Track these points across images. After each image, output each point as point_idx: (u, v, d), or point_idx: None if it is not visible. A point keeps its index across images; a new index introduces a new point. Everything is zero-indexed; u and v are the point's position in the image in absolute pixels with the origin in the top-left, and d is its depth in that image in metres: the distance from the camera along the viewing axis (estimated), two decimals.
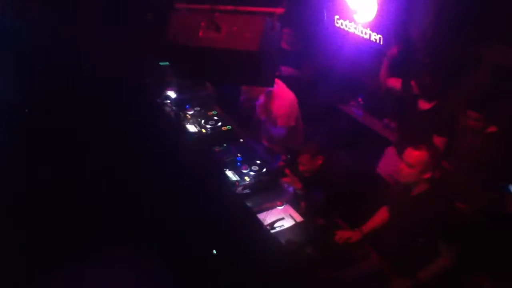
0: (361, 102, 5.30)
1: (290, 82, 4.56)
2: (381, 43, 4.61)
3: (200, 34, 3.36)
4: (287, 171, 3.91)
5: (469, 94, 3.92)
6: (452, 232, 2.89)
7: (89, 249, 3.96)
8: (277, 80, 4.26)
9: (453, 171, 3.62)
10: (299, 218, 3.50)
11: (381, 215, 3.33)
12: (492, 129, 3.44)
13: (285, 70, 4.94)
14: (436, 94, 3.85)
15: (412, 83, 3.94)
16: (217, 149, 4.34)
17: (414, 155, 2.94)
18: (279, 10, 3.41)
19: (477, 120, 3.42)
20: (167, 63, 5.03)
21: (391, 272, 3.09)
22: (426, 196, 2.98)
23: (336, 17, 5.15)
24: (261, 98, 4.45)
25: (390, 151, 4.28)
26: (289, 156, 4.05)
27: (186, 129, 4.72)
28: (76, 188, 4.57)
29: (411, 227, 2.99)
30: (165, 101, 5.15)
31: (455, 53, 4.14)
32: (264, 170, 3.99)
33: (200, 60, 3.56)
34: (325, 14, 5.29)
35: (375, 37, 4.66)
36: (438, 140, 3.74)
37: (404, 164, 2.99)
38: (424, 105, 3.91)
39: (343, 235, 3.28)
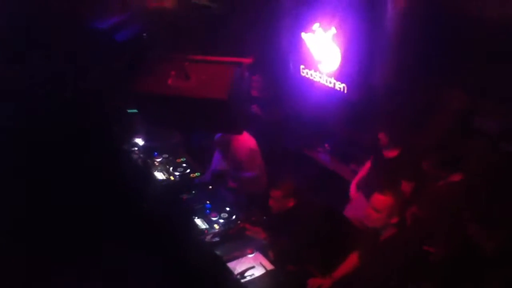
0: (328, 148, 5.41)
1: (258, 127, 4.62)
2: (345, 91, 4.77)
3: (170, 82, 3.41)
4: (257, 217, 3.89)
5: (432, 140, 4.06)
6: (421, 275, 2.91)
7: None
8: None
9: (422, 216, 3.68)
10: (269, 266, 3.45)
11: (352, 260, 3.33)
12: (456, 177, 3.53)
13: (254, 108, 5.03)
14: (401, 140, 3.97)
15: (380, 136, 4.03)
16: (185, 196, 4.28)
17: (381, 200, 2.99)
18: (248, 60, 3.52)
19: (435, 170, 3.54)
20: (135, 110, 5.03)
21: None
22: (394, 240, 3.01)
23: (302, 66, 5.34)
24: (221, 144, 4.47)
25: (357, 196, 4.33)
26: (259, 200, 4.04)
27: (154, 176, 4.67)
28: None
29: (381, 271, 2.99)
30: (133, 149, 5.11)
31: (417, 100, 4.32)
32: (233, 217, 3.96)
33: (169, 108, 3.59)
34: (291, 64, 5.47)
35: (340, 85, 4.83)
36: (405, 185, 3.84)
37: (371, 209, 3.03)
38: (389, 153, 4.03)
39: (314, 282, 3.24)
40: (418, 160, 3.88)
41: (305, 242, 3.49)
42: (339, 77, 4.82)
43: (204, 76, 3.43)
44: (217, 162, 4.62)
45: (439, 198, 3.56)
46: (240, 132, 4.10)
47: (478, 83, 3.89)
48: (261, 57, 4.48)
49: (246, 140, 4.37)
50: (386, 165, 4.05)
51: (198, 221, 3.93)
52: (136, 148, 5.12)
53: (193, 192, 4.33)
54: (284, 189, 3.63)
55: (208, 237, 3.74)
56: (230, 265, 3.46)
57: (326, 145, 5.43)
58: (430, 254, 3.41)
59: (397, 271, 2.90)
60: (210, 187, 4.43)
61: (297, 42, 5.17)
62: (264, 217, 3.86)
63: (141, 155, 4.98)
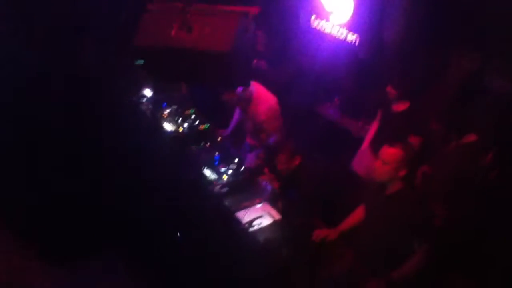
0: (337, 103, 5.36)
1: (265, 83, 4.56)
2: (357, 43, 4.68)
3: (172, 34, 3.33)
4: (265, 169, 3.93)
5: (440, 97, 4.01)
6: (426, 233, 2.94)
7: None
8: (258, 85, 4.24)
9: (433, 177, 3.70)
10: (277, 216, 3.52)
11: (357, 214, 3.38)
12: (469, 138, 3.49)
13: (262, 64, 4.94)
14: (410, 95, 3.93)
15: (388, 89, 3.99)
16: (194, 148, 4.32)
17: (389, 152, 2.98)
18: (254, 10, 3.41)
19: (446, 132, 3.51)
20: (141, 62, 4.97)
21: (366, 271, 3.12)
22: (400, 195, 3.02)
23: (313, 17, 5.20)
24: (243, 103, 4.36)
25: (365, 150, 4.34)
26: (267, 154, 4.06)
27: (162, 128, 4.68)
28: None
29: (385, 226, 3.01)
30: (141, 100, 5.10)
31: (426, 56, 4.23)
32: (242, 168, 4.00)
33: (172, 61, 3.53)
34: (301, 14, 5.34)
35: (351, 37, 4.72)
36: (413, 140, 3.83)
37: (379, 161, 3.03)
38: (398, 107, 3.99)
39: (320, 233, 3.30)
40: (427, 116, 3.86)
41: (312, 195, 3.54)
42: (351, 28, 4.70)
43: (207, 27, 3.34)
44: (236, 119, 4.60)
45: (451, 159, 3.55)
46: (245, 85, 4.03)
47: (490, 42, 3.80)
48: (269, 7, 4.36)
49: (268, 99, 4.28)
50: (394, 119, 4.02)
51: (207, 172, 3.97)
52: (144, 100, 5.10)
53: (202, 144, 4.36)
54: (288, 150, 3.65)
55: (216, 188, 3.80)
56: (238, 215, 3.53)
57: (336, 100, 5.39)
58: (436, 216, 3.45)
59: (402, 227, 2.93)
60: (219, 138, 4.45)
61: None
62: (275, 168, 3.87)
63: (150, 107, 4.97)
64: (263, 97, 4.26)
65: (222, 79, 3.69)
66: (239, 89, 4.13)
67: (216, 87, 4.39)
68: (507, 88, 3.79)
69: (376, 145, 3.64)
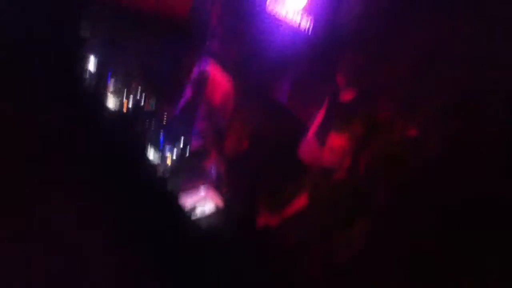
0: (287, 88, 5.29)
1: (219, 61, 4.43)
2: (310, 29, 4.62)
3: None
4: (212, 152, 3.83)
5: (391, 86, 4.03)
6: (365, 219, 2.99)
7: None
8: (215, 67, 4.12)
9: (374, 167, 3.72)
10: (219, 202, 3.44)
11: (301, 200, 3.36)
12: (411, 132, 3.53)
13: (215, 44, 4.80)
14: (358, 83, 3.93)
15: (337, 76, 3.95)
16: (139, 128, 4.14)
17: (336, 140, 2.99)
18: None
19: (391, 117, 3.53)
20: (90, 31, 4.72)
21: (307, 254, 3.13)
22: (345, 182, 3.04)
23: (268, 2, 5.10)
24: (199, 84, 4.24)
25: (311, 137, 4.32)
26: (216, 137, 3.96)
27: (105, 105, 4.46)
28: None
29: (328, 210, 3.04)
30: (85, 75, 4.81)
31: (379, 41, 4.23)
32: (188, 150, 3.88)
33: (126, 23, 3.34)
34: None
35: (305, 22, 4.66)
36: (359, 129, 3.83)
37: (326, 148, 3.03)
38: (345, 95, 3.98)
39: (263, 220, 3.27)
40: (374, 105, 3.87)
41: (256, 180, 3.49)
42: (306, 14, 4.64)
43: None
44: (186, 99, 4.43)
45: (391, 152, 3.58)
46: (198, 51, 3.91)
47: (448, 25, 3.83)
48: None
49: (224, 82, 4.17)
50: (342, 107, 4.01)
51: (150, 153, 3.83)
52: (88, 75, 4.83)
53: (147, 123, 4.18)
54: (235, 134, 3.58)
55: (159, 170, 3.67)
56: (182, 199, 3.43)
57: (286, 84, 5.32)
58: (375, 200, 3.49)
59: (344, 212, 2.95)
60: (165, 119, 4.29)
61: None
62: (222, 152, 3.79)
63: (94, 82, 4.71)
64: (219, 79, 4.15)
65: (178, 42, 3.54)
66: (196, 70, 4.02)
67: (170, 57, 4.21)
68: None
69: (322, 133, 3.62)
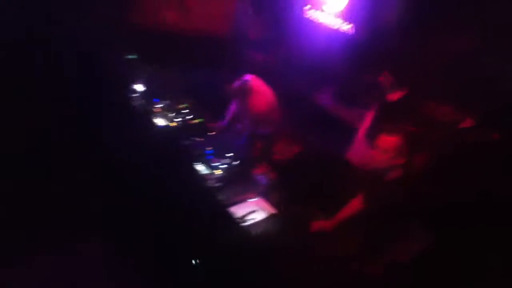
0: (332, 92, 5.25)
1: (260, 74, 4.44)
2: (351, 32, 4.57)
3: (168, 16, 3.21)
4: (259, 161, 3.82)
5: (439, 85, 3.92)
6: (425, 217, 2.89)
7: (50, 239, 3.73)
8: (255, 77, 4.14)
9: (431, 164, 3.61)
10: (272, 210, 3.41)
11: (355, 203, 3.28)
12: (466, 123, 3.42)
13: (257, 56, 4.83)
14: (405, 82, 3.84)
15: (381, 78, 3.89)
16: (187, 142, 4.20)
17: (387, 140, 2.94)
18: None
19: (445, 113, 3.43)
20: (134, 56, 4.86)
21: (363, 257, 3.04)
22: (400, 182, 2.96)
23: (306, 7, 5.10)
24: (241, 95, 4.25)
25: (361, 140, 4.24)
26: (265, 145, 3.95)
27: (153, 123, 4.56)
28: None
29: (383, 213, 2.96)
30: (132, 95, 4.97)
31: (425, 42, 4.13)
32: (236, 162, 3.88)
33: (165, 45, 3.39)
34: (295, 4, 5.23)
35: (346, 26, 4.62)
36: (410, 128, 3.72)
37: (377, 150, 2.97)
38: (393, 95, 3.90)
39: (317, 224, 3.21)
40: (423, 103, 3.77)
41: (308, 185, 3.44)
42: (346, 17, 4.60)
43: (205, 9, 3.20)
44: (233, 112, 4.48)
45: (447, 146, 3.48)
46: (240, 71, 3.94)
47: (489, 22, 3.70)
48: None
49: (265, 91, 4.18)
50: (390, 108, 3.93)
51: (199, 166, 3.86)
52: (135, 94, 4.98)
53: (195, 138, 4.24)
54: (284, 140, 3.56)
55: (209, 182, 3.68)
56: (232, 209, 3.42)
57: (330, 88, 5.27)
58: (434, 201, 3.36)
59: (400, 214, 2.87)
60: (213, 133, 4.33)
61: None
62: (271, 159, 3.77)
63: (141, 101, 4.85)
64: (261, 88, 4.17)
65: (218, 62, 3.59)
66: (237, 81, 4.04)
67: (213, 73, 4.27)
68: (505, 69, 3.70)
69: (372, 135, 3.54)
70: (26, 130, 4.37)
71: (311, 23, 5.10)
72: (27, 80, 4.71)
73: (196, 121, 4.56)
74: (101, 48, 5.38)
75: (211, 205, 3.53)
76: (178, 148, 4.12)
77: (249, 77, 4.10)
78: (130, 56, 5.14)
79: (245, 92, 4.12)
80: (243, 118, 4.36)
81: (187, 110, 4.70)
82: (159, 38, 3.60)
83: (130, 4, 3.60)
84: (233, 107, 4.54)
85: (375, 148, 3.00)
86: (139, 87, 5.05)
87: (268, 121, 4.17)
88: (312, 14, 5.08)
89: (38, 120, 4.43)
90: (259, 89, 4.14)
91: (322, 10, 4.91)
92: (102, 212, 3.91)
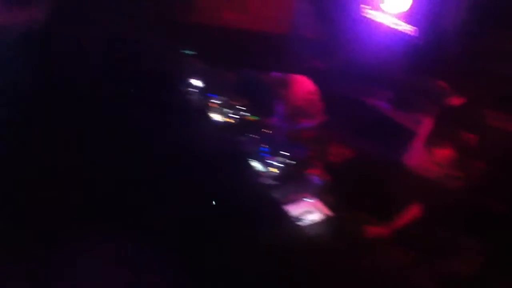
0: (388, 95, 5.18)
1: (311, 72, 4.45)
2: (412, 34, 4.50)
3: (226, 14, 3.24)
4: (315, 162, 3.86)
5: (499, 91, 3.82)
6: (481, 228, 2.86)
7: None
8: (312, 75, 4.18)
9: (490, 173, 3.54)
10: (327, 212, 3.45)
11: (412, 211, 3.28)
12: None
13: (313, 57, 4.84)
14: (465, 89, 3.76)
15: (441, 82, 3.83)
16: (242, 139, 4.29)
17: (443, 153, 2.91)
18: None
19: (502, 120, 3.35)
20: (191, 51, 4.97)
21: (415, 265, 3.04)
22: (457, 192, 2.93)
23: (364, 6, 5.04)
24: (280, 86, 4.32)
25: (418, 146, 4.19)
26: (317, 146, 3.99)
27: (210, 117, 4.67)
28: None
29: (441, 223, 2.95)
30: (188, 89, 5.10)
31: (488, 47, 4.03)
32: (292, 161, 3.93)
33: (226, 42, 3.43)
34: (351, 3, 5.18)
35: (406, 28, 4.55)
36: (469, 137, 3.66)
37: (433, 162, 2.96)
38: (451, 102, 3.83)
39: (373, 231, 3.23)
40: (484, 111, 3.68)
41: (363, 190, 3.46)
42: (407, 18, 4.53)
43: (263, 7, 3.22)
44: (280, 107, 4.53)
45: (507, 157, 3.39)
46: (299, 72, 3.98)
47: None
48: None
49: (303, 80, 4.22)
50: (449, 114, 3.85)
51: (254, 163, 3.94)
52: (192, 89, 5.10)
53: (250, 135, 4.32)
54: (339, 142, 3.58)
55: (264, 180, 3.76)
56: (287, 208, 3.48)
57: (387, 92, 5.20)
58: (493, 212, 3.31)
59: (456, 225, 2.85)
60: (269, 131, 4.39)
61: None
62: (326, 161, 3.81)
63: (197, 96, 4.97)
64: (299, 78, 4.21)
65: (276, 62, 3.62)
66: (294, 81, 4.09)
67: (270, 72, 4.32)
68: None
69: (430, 141, 3.50)
70: (89, 130, 4.56)
71: (368, 22, 5.05)
72: (87, 79, 4.90)
73: (252, 118, 4.64)
74: (158, 44, 5.54)
75: (266, 202, 3.60)
76: (234, 144, 4.22)
77: (307, 77, 4.14)
78: (187, 52, 5.26)
79: (283, 82, 4.17)
80: (298, 116, 4.41)
81: (243, 107, 4.77)
82: (217, 35, 3.65)
83: (188, 1, 3.65)
84: (288, 105, 4.58)
85: (432, 159, 2.98)
86: (196, 83, 5.17)
87: (308, 113, 4.20)
88: (370, 13, 5.02)
89: (101, 120, 4.62)
90: (296, 78, 4.18)
91: (382, 10, 4.85)
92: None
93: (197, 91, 5.07)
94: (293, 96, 4.25)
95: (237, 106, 4.78)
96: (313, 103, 4.26)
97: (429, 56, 4.32)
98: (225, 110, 4.73)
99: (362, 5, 5.08)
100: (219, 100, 4.90)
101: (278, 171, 3.83)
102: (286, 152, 4.01)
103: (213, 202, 3.58)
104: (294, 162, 3.91)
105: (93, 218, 3.91)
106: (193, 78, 5.18)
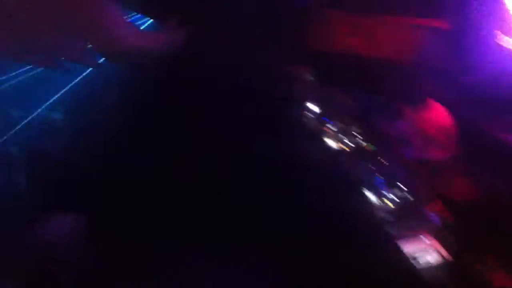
0: None
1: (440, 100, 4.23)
2: None
3: (347, 40, 3.25)
4: (436, 198, 3.66)
5: None
6: None
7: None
8: (432, 105, 3.99)
9: None
10: (445, 254, 3.25)
11: None
12: None
13: (439, 86, 4.61)
14: None
15: None
16: (356, 167, 4.22)
17: None
18: (441, 24, 3.17)
19: None
20: (311, 77, 5.04)
21: None
22: None
23: (499, 33, 4.68)
24: (414, 122, 4.14)
25: None
26: (442, 181, 3.78)
27: (324, 143, 4.68)
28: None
29: None
30: (303, 113, 5.16)
31: None
32: (408, 195, 3.78)
33: (345, 67, 3.44)
34: (485, 29, 4.84)
35: None
36: None
37: None
38: None
39: (497, 279, 2.96)
40: None
41: (489, 233, 3.19)
42: None
43: (389, 36, 3.19)
44: (401, 133, 4.38)
45: None
46: (421, 103, 3.81)
47: None
48: (448, 17, 4.05)
49: (440, 112, 4.00)
50: None
51: (368, 194, 3.86)
52: (306, 113, 5.16)
53: (365, 164, 4.24)
54: (465, 178, 3.34)
55: (378, 213, 3.67)
56: (401, 244, 3.36)
57: None
58: None
59: None
60: (384, 161, 4.27)
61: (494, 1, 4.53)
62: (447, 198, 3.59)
63: (312, 121, 5.00)
64: (434, 105, 4.03)
65: (398, 91, 3.52)
66: (414, 111, 3.94)
67: (393, 100, 4.21)
68: None
69: None
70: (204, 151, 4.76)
71: (501, 50, 4.68)
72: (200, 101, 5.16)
73: (368, 147, 4.55)
74: (277, 68, 5.70)
75: (380, 237, 3.51)
76: (349, 173, 4.17)
77: (428, 106, 3.96)
78: (306, 76, 5.35)
79: (421, 121, 3.99)
80: (412, 138, 4.20)
81: (358, 134, 4.71)
82: (337, 60, 3.66)
83: (310, 27, 3.73)
84: (406, 136, 4.40)
85: None
86: (313, 107, 5.22)
87: (440, 144, 3.95)
88: (503, 40, 4.65)
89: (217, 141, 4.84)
90: (431, 107, 3.98)
91: None
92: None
93: (314, 115, 5.11)
94: (426, 123, 4.04)
95: (354, 133, 4.73)
96: (448, 133, 4.01)
97: None
98: (341, 136, 4.70)
99: (496, 31, 4.73)
100: (335, 125, 4.88)
101: (394, 205, 3.70)
102: (405, 184, 3.86)
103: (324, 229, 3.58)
104: (413, 197, 3.75)
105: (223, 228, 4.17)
106: (313, 103, 5.23)
